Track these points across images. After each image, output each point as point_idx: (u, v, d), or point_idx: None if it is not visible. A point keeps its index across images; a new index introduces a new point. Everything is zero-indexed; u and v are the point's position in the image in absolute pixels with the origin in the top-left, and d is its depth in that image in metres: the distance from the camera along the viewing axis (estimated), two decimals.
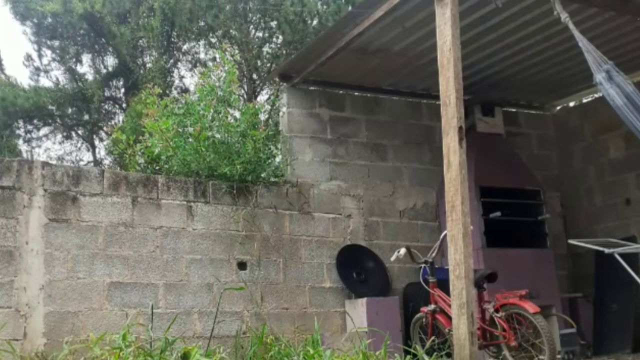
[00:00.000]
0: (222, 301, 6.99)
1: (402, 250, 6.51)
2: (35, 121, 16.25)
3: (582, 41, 5.46)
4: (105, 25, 14.92)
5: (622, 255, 7.02)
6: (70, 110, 16.15)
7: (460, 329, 5.01)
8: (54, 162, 13.56)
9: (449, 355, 5.86)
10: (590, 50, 5.39)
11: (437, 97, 5.61)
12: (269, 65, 14.78)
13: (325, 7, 14.42)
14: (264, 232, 7.60)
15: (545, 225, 8.56)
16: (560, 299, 8.40)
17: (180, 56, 16.11)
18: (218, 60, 11.14)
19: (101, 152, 16.81)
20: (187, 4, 14.00)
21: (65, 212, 6.65)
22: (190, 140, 7.72)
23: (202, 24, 14.64)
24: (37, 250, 6.43)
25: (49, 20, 15.63)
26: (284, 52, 14.42)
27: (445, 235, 5.50)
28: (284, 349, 5.44)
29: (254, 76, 14.85)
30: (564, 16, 5.61)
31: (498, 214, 8.10)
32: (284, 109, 8.33)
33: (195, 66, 15.88)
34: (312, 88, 8.46)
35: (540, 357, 5.62)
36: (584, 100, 10.20)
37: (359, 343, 5.47)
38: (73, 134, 16.99)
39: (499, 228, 8.13)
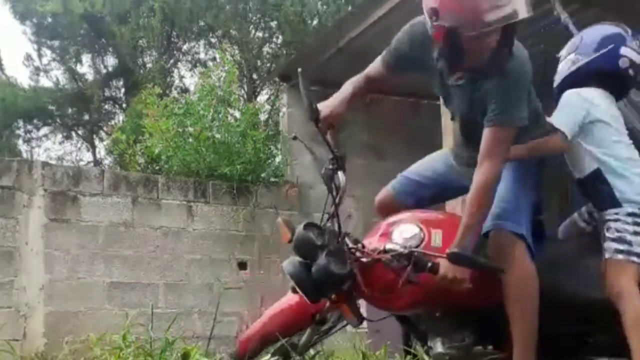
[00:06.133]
0: (222, 301, 6.98)
1: None
2: (35, 121, 16.22)
3: None
4: (105, 25, 14.92)
5: None
6: (70, 110, 16.14)
7: None
8: (54, 162, 13.54)
9: None
10: None
11: (437, 97, 5.60)
12: (269, 65, 14.78)
13: (325, 7, 14.42)
14: (264, 232, 7.60)
15: (544, 224, 8.55)
16: None
17: (180, 56, 16.10)
18: (218, 60, 11.13)
19: (101, 152, 16.79)
20: (187, 4, 14.00)
21: (65, 212, 6.65)
22: (190, 140, 7.73)
23: (202, 24, 14.64)
24: (37, 250, 6.43)
25: (49, 20, 15.61)
26: (284, 52, 14.42)
27: None
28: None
29: (254, 76, 14.85)
30: (564, 16, 5.60)
31: None
32: (284, 109, 8.33)
33: (195, 66, 15.86)
34: (312, 88, 8.44)
35: None
36: None
37: (359, 343, 5.47)
38: (73, 134, 16.97)
39: None
